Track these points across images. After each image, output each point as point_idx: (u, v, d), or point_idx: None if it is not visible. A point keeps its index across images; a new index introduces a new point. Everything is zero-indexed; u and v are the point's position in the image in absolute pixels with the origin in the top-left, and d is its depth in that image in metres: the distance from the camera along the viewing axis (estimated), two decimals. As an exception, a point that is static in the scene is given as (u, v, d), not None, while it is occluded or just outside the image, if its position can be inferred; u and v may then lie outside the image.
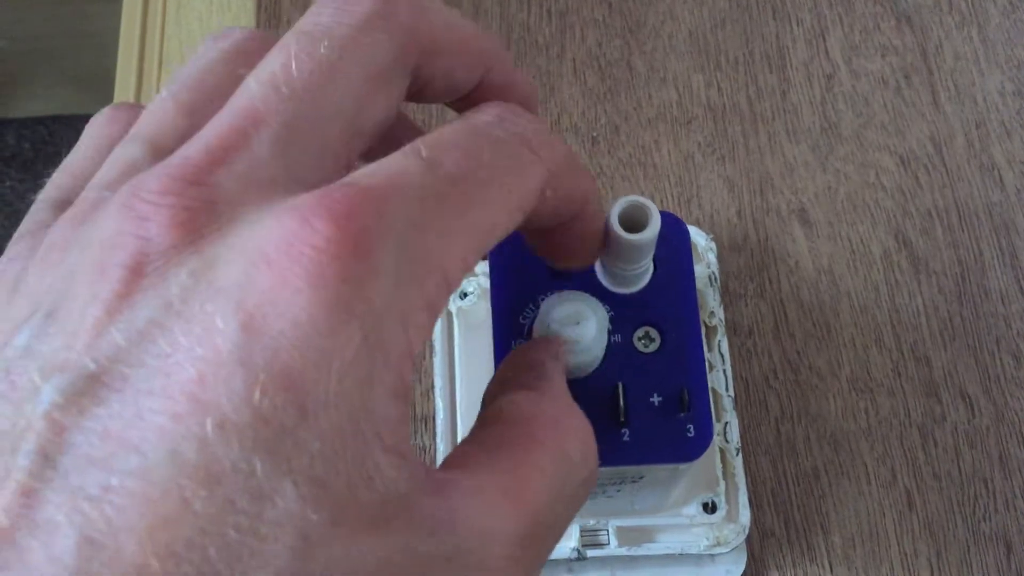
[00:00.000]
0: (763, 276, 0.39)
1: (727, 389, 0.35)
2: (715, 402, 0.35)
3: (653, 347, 0.29)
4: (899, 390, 0.37)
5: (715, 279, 0.37)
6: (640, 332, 0.29)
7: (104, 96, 0.44)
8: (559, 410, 0.20)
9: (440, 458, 0.35)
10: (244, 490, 0.13)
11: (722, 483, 0.34)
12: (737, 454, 0.35)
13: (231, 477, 0.13)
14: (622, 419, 0.27)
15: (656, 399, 0.28)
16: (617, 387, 0.28)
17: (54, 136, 0.94)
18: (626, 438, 0.27)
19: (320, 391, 0.14)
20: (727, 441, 0.35)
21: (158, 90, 0.44)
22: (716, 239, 0.39)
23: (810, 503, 0.36)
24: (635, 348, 0.28)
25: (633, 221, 0.27)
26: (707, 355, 0.36)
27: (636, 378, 0.28)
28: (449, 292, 0.17)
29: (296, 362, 0.14)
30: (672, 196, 0.40)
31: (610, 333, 0.29)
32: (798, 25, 0.43)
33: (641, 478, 0.29)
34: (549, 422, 0.20)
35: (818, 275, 0.39)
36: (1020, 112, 0.41)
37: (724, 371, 0.36)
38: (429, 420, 0.37)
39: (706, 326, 0.36)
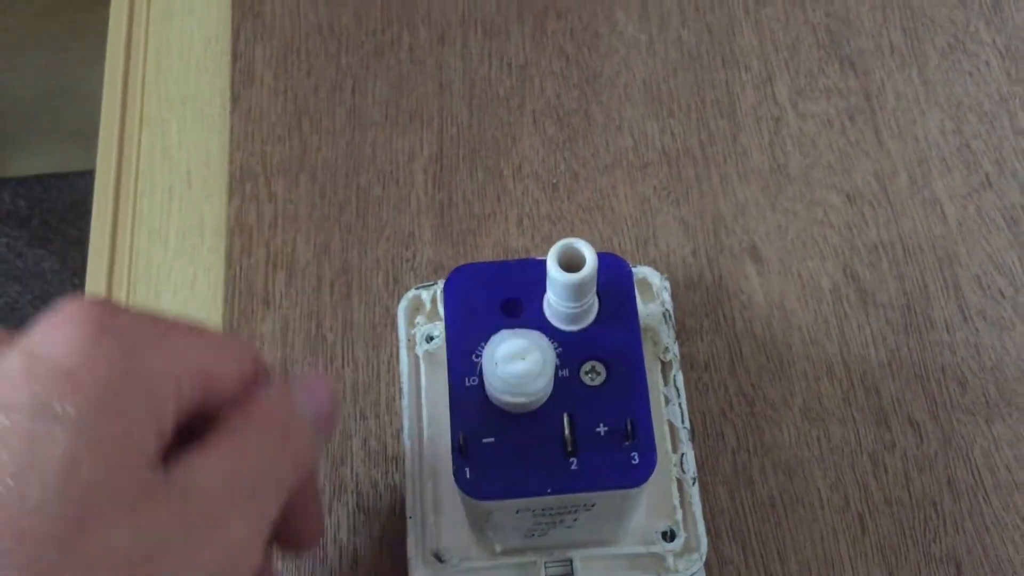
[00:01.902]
0: (718, 312, 0.41)
1: (683, 422, 0.37)
2: (671, 435, 0.37)
3: (599, 380, 0.30)
4: (850, 419, 0.38)
5: (670, 316, 0.39)
6: (587, 366, 0.30)
7: (94, 154, 0.46)
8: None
9: (408, 496, 0.36)
10: None
11: (680, 512, 0.36)
12: (693, 484, 0.36)
13: None
14: (570, 449, 0.29)
15: (602, 429, 0.29)
16: (563, 419, 0.29)
17: (49, 193, 0.97)
18: (574, 467, 0.29)
19: None
20: (683, 472, 0.36)
21: (139, 146, 0.46)
22: (672, 278, 0.41)
23: (766, 530, 0.37)
24: (582, 382, 0.30)
25: (571, 262, 0.29)
26: (663, 389, 0.37)
27: (583, 410, 0.29)
28: None
29: None
30: (630, 238, 0.42)
31: (558, 368, 0.30)
32: (746, 71, 0.45)
33: (593, 506, 0.30)
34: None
35: (770, 310, 0.40)
36: (959, 149, 0.43)
37: (680, 404, 0.37)
38: (399, 460, 0.38)
39: (661, 362, 0.38)
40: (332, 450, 0.38)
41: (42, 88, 0.88)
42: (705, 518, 0.36)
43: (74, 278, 0.91)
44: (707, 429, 0.38)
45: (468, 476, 0.29)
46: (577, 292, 0.29)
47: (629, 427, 0.29)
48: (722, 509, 0.37)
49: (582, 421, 0.29)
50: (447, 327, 0.31)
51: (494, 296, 0.31)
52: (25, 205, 0.97)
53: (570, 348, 0.30)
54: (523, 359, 0.28)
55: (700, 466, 0.37)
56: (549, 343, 0.29)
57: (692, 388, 0.39)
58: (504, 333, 0.29)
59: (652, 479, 0.30)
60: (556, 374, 0.30)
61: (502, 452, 0.29)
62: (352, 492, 0.38)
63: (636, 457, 0.29)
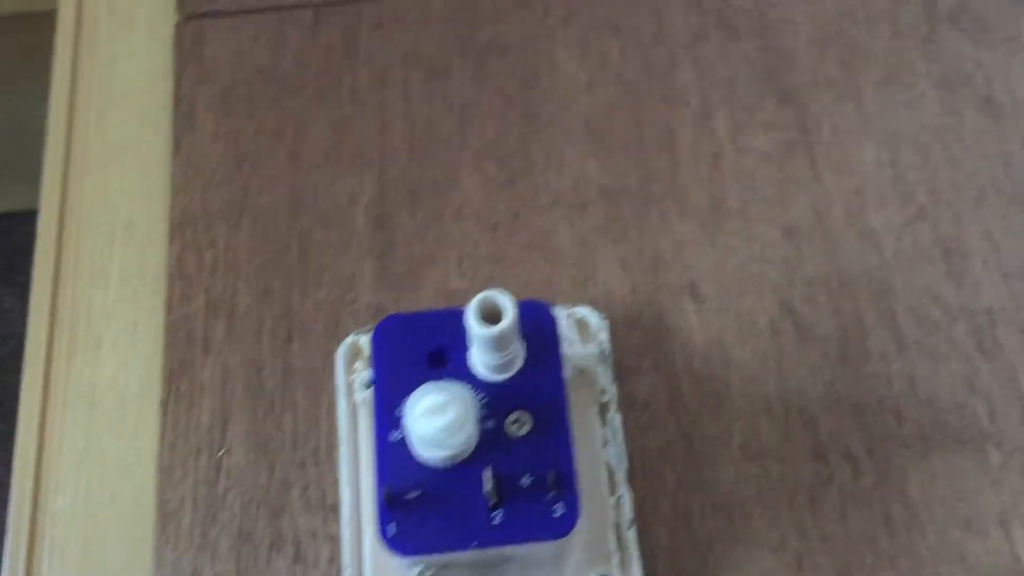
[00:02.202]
0: (657, 350, 0.41)
1: (619, 462, 0.37)
2: (608, 477, 0.37)
3: (525, 430, 0.30)
4: (788, 455, 0.39)
5: (607, 356, 0.39)
6: (513, 416, 0.30)
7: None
8: None
9: (345, 546, 0.36)
10: None
11: (616, 555, 0.36)
12: (631, 527, 0.36)
13: None
14: (493, 502, 0.29)
15: (526, 480, 0.29)
16: (486, 472, 0.29)
17: (11, 233, 0.96)
18: (497, 520, 0.29)
19: None
20: (620, 516, 0.36)
21: (82, 191, 0.45)
22: (611, 316, 0.41)
23: (705, 571, 0.37)
24: (506, 433, 0.30)
25: (492, 313, 0.29)
26: (600, 431, 0.38)
27: (508, 461, 0.30)
28: None
29: None
30: (569, 277, 0.42)
31: (485, 419, 0.30)
32: (685, 107, 0.46)
33: (523, 556, 0.30)
34: None
35: (709, 347, 0.41)
36: (894, 181, 0.44)
37: (617, 445, 0.37)
38: (337, 508, 0.38)
39: (598, 404, 0.38)
40: (270, 500, 0.38)
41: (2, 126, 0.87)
42: (644, 557, 0.36)
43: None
44: (646, 468, 0.38)
45: (392, 533, 0.29)
46: (498, 344, 0.29)
47: (552, 479, 0.29)
48: (662, 549, 0.37)
49: (507, 473, 0.29)
50: (375, 380, 0.31)
51: (421, 347, 0.31)
52: (-14, 242, 0.96)
53: (496, 398, 0.30)
54: (443, 413, 0.28)
55: (639, 506, 0.37)
56: (472, 395, 0.29)
57: (631, 427, 0.39)
58: (426, 387, 0.29)
59: (588, 523, 0.30)
60: (483, 425, 0.30)
61: (427, 507, 0.29)
62: (291, 543, 0.38)
63: (559, 509, 0.29)
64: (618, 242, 0.43)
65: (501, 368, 0.30)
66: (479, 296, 0.28)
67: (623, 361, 0.40)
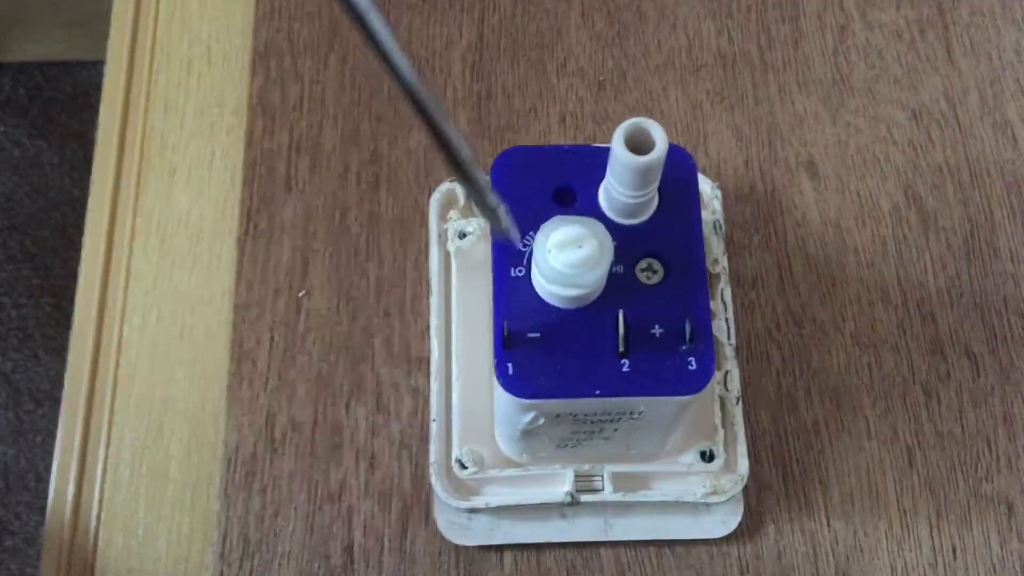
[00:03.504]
0: (769, 228, 0.38)
1: (729, 338, 0.35)
2: (717, 350, 0.35)
3: (656, 279, 0.28)
4: (904, 347, 0.36)
5: (720, 227, 0.36)
6: (643, 264, 0.28)
7: (101, 42, 0.43)
8: None
9: (434, 399, 0.34)
10: None
11: (721, 432, 0.34)
12: (737, 403, 0.34)
13: None
14: (622, 349, 0.27)
15: (658, 331, 0.27)
16: (617, 316, 0.27)
17: (50, 82, 0.92)
18: (626, 368, 0.26)
19: None
20: (727, 390, 0.34)
21: (156, 15, 0.42)
22: (722, 188, 0.38)
23: (809, 458, 0.35)
24: (637, 279, 0.28)
25: (638, 144, 0.26)
26: (710, 303, 0.35)
27: (638, 309, 0.27)
28: None
29: None
30: (679, 143, 0.39)
31: (612, 263, 0.28)
32: (813, -24, 0.42)
33: (640, 413, 0.28)
34: None
35: (825, 228, 0.38)
36: (1037, 70, 0.40)
37: (727, 320, 0.35)
38: (423, 361, 0.36)
39: (710, 273, 0.35)
40: (352, 347, 0.36)
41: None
42: (746, 439, 0.34)
43: (73, 172, 0.88)
44: (752, 349, 0.36)
45: (510, 372, 0.26)
46: (642, 178, 0.26)
47: (688, 330, 0.27)
48: (763, 432, 0.35)
49: (636, 321, 0.27)
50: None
51: (545, 183, 0.29)
52: (25, 93, 0.93)
53: (625, 243, 0.28)
54: (579, 247, 0.25)
55: (742, 387, 0.35)
56: (607, 232, 0.26)
57: (738, 305, 0.37)
58: (558, 219, 0.26)
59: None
60: (610, 269, 0.27)
61: (548, 349, 0.27)
62: (372, 393, 0.36)
63: (693, 362, 0.27)
64: (733, 110, 0.40)
65: (636, 209, 0.28)
66: (629, 122, 0.26)
67: (732, 236, 0.38)
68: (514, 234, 0.25)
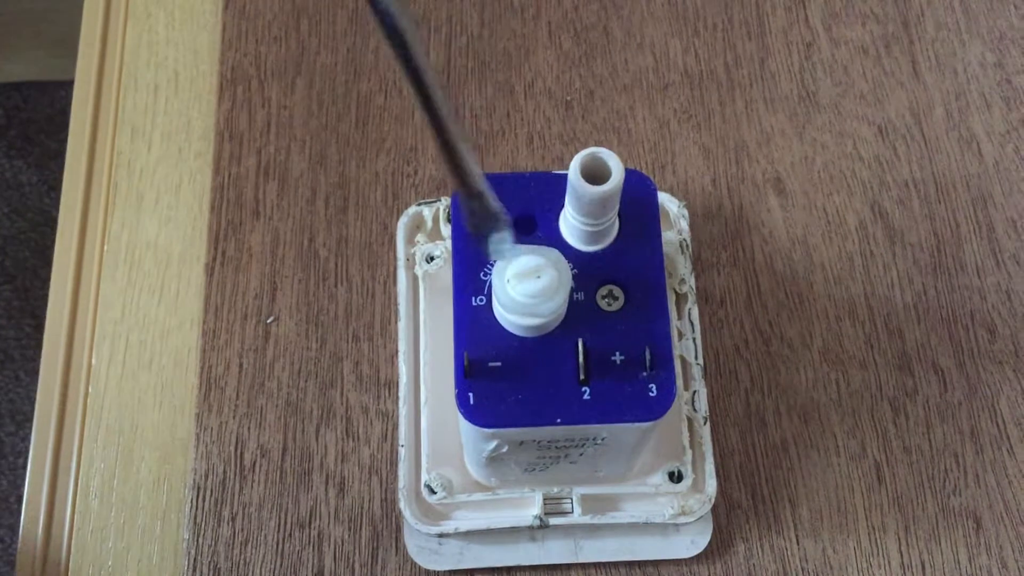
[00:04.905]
0: (736, 245, 0.38)
1: (696, 357, 0.35)
2: (684, 371, 0.35)
3: (617, 306, 0.28)
4: (871, 363, 0.36)
5: (687, 246, 0.36)
6: (604, 290, 0.28)
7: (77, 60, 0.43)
8: None
9: (402, 424, 0.34)
10: None
11: (689, 452, 0.34)
12: (705, 423, 0.34)
13: None
14: (583, 377, 0.27)
15: (618, 358, 0.27)
16: (578, 344, 0.27)
17: (28, 102, 0.92)
18: (587, 396, 0.26)
19: None
20: (695, 410, 0.34)
21: (123, 39, 0.42)
22: (689, 207, 0.38)
23: (778, 475, 0.35)
24: (598, 306, 0.28)
25: (595, 173, 0.26)
26: (677, 323, 0.35)
27: (598, 336, 0.27)
28: None
29: None
30: (646, 162, 0.39)
31: (573, 290, 0.28)
32: (778, -7, 0.42)
33: (604, 439, 0.28)
34: None
35: (792, 245, 0.38)
36: (1000, 83, 0.41)
37: (694, 339, 0.35)
38: (393, 385, 0.36)
39: (676, 293, 0.35)
40: (321, 372, 0.36)
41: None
42: (714, 459, 0.34)
43: (51, 192, 0.87)
44: (720, 367, 0.36)
45: (471, 402, 0.26)
46: (600, 207, 0.26)
47: (648, 356, 0.27)
48: (732, 451, 0.35)
49: (597, 348, 0.27)
50: (454, 239, 0.29)
51: (508, 210, 0.29)
52: (3, 113, 0.93)
53: (586, 269, 0.28)
54: (538, 277, 0.25)
55: (711, 405, 0.35)
56: (565, 261, 0.26)
57: (706, 323, 0.37)
58: (517, 248, 0.26)
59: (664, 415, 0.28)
60: (571, 297, 0.27)
61: (509, 378, 0.27)
62: (341, 418, 0.36)
63: (654, 389, 0.27)
64: (700, 129, 0.40)
65: (596, 237, 0.28)
66: (585, 152, 0.26)
67: (699, 255, 0.38)
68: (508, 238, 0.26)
